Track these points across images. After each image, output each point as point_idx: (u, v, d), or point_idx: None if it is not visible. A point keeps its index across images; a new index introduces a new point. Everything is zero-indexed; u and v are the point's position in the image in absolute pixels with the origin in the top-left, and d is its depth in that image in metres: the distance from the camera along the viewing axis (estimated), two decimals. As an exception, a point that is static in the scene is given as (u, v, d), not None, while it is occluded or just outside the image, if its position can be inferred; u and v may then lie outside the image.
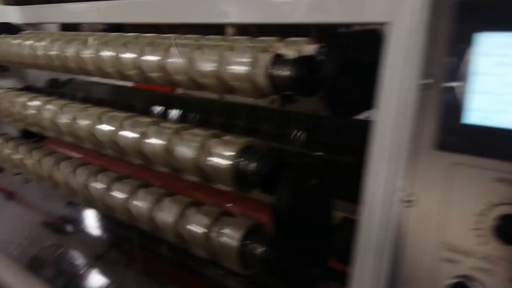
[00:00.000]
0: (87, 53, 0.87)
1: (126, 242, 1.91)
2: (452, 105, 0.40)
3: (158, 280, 1.58)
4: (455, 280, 0.38)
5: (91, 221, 1.82)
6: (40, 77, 1.57)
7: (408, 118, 0.41)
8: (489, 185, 0.37)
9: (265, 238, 0.64)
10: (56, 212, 1.78)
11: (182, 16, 1.00)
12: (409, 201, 0.39)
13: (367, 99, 0.61)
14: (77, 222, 1.81)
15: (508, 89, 0.38)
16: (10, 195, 1.62)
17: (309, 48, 0.70)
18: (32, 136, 1.25)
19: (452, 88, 0.41)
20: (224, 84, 0.65)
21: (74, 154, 1.12)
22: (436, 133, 0.40)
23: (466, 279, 0.38)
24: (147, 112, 1.07)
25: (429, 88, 0.41)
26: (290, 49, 0.69)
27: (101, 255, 1.87)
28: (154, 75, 0.75)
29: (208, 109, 1.16)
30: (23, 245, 1.61)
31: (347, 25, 0.88)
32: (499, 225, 0.37)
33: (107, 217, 1.83)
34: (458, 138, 0.40)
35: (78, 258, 1.73)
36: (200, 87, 0.71)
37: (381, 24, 0.46)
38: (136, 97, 1.43)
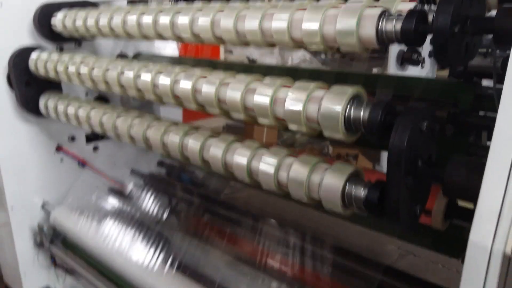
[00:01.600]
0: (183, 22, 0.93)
1: (182, 209, 2.03)
2: None
3: (206, 241, 1.70)
4: None
5: (151, 188, 1.93)
6: (111, 52, 1.66)
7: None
8: None
9: (365, 182, 0.70)
10: (121, 179, 1.90)
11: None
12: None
13: (470, 50, 0.65)
14: (140, 189, 1.93)
15: None
16: (83, 163, 1.74)
17: (406, 5, 0.74)
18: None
19: None
20: (328, 41, 0.71)
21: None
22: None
23: None
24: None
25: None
26: (387, 5, 0.73)
27: (160, 219, 1.99)
28: (253, 38, 0.81)
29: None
30: (94, 208, 1.73)
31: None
32: None
33: (165, 182, 1.93)
34: None
35: (141, 221, 1.85)
36: (301, 46, 0.76)
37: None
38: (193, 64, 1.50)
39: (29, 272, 1.75)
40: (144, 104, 1.68)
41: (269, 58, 3.16)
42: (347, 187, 0.70)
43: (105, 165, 1.84)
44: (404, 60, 2.26)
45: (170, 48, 2.01)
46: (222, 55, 3.36)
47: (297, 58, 3.14)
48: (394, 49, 2.24)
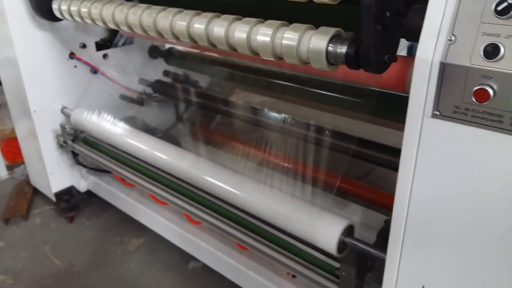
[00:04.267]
0: None
1: (189, 117, 2.19)
2: None
3: (211, 145, 1.86)
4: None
5: (160, 93, 2.08)
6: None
7: None
8: None
9: (346, 39, 0.85)
10: (131, 86, 2.05)
11: None
12: None
13: None
14: (150, 97, 2.08)
15: None
16: (95, 69, 1.87)
17: None
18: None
19: None
20: None
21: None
22: None
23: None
24: None
25: None
26: None
27: (169, 127, 2.16)
28: None
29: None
30: (109, 111, 1.89)
31: None
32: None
33: (172, 87, 2.07)
34: None
35: (152, 124, 2.02)
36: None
37: None
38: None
39: (55, 172, 1.94)
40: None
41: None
42: (330, 45, 0.85)
43: (115, 73, 1.97)
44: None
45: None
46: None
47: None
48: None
